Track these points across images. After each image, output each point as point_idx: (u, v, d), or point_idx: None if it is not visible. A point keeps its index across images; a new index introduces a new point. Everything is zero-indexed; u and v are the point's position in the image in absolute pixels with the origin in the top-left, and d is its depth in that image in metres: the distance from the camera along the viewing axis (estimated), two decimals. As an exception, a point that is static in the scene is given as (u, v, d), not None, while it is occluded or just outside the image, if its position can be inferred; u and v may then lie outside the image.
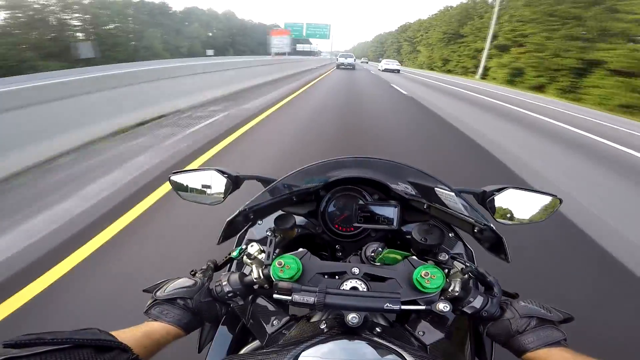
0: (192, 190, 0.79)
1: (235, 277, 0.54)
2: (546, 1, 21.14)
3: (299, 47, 79.45)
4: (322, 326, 0.49)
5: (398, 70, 26.75)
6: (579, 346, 0.45)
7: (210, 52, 42.87)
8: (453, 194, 0.69)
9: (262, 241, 0.62)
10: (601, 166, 4.35)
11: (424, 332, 0.56)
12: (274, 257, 0.52)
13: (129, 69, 5.42)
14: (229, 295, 0.54)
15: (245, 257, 0.55)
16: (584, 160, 4.58)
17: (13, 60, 22.19)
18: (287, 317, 0.58)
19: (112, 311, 1.54)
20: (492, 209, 0.75)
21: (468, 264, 0.53)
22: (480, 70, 28.70)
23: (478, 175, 3.63)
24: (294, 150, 4.12)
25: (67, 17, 31.36)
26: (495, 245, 0.61)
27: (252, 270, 0.54)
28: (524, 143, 5.32)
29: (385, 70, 26.20)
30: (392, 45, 79.72)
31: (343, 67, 27.08)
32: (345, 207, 0.77)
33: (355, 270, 0.51)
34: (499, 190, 0.74)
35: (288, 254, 0.51)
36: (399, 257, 0.55)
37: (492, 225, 0.59)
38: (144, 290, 0.56)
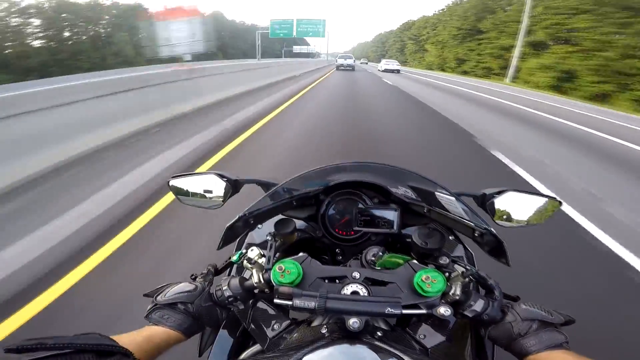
0: (192, 194, 0.79)
1: (235, 281, 0.54)
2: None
3: (296, 49, 74.84)
4: (323, 330, 0.49)
5: (398, 71, 26.17)
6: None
7: (187, 56, 37.81)
8: (453, 198, 0.69)
9: (262, 245, 0.60)
10: None
11: (425, 336, 0.56)
12: (274, 261, 0.52)
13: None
14: (230, 299, 0.53)
15: (245, 261, 0.55)
16: None
17: None
18: (288, 322, 0.58)
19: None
20: (492, 212, 0.76)
21: (469, 268, 0.53)
22: (511, 72, 23.51)
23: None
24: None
25: (17, 21, 26.56)
26: (496, 249, 0.62)
27: (252, 275, 0.54)
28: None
29: (386, 70, 25.53)
30: (394, 45, 74.48)
31: (342, 68, 26.36)
32: (346, 211, 0.76)
33: (356, 275, 0.51)
34: (499, 193, 0.75)
35: (288, 258, 0.51)
36: (399, 261, 0.56)
37: (492, 229, 0.60)
38: (144, 295, 0.54)
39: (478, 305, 0.50)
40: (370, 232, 0.75)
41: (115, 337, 0.40)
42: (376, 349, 0.42)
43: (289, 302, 0.45)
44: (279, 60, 21.45)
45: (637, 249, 2.25)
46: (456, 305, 0.51)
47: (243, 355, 0.59)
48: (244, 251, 0.57)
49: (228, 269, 0.67)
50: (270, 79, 11.78)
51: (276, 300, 0.47)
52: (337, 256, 0.79)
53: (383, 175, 0.75)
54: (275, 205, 0.69)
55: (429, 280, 0.47)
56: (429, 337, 0.55)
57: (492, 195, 0.76)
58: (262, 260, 0.54)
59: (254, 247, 0.56)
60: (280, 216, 0.72)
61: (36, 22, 27.55)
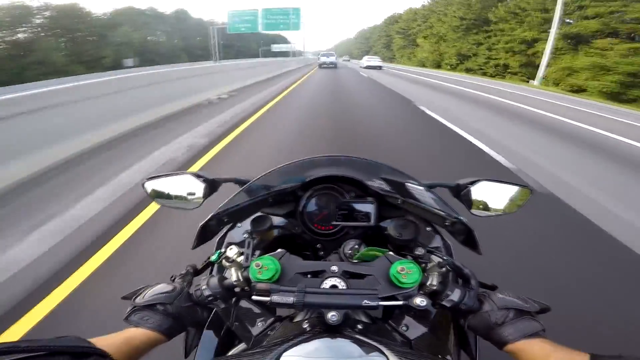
0: (169, 196, 0.78)
1: (214, 280, 0.54)
2: None
3: (275, 47, 68.47)
4: (305, 325, 0.50)
5: (380, 67, 26.15)
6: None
7: (129, 62, 31.23)
8: (423, 189, 0.71)
9: (241, 244, 0.61)
10: None
11: (407, 327, 0.57)
12: (252, 259, 0.52)
13: None
14: (209, 298, 0.53)
15: (224, 260, 0.56)
16: None
17: None
18: (272, 319, 0.59)
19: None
20: (467, 202, 0.77)
21: (445, 258, 0.54)
22: (542, 72, 18.24)
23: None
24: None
25: None
26: (468, 238, 0.63)
27: (231, 274, 0.53)
28: None
29: (368, 67, 25.40)
30: (379, 41, 69.17)
31: (325, 66, 26.05)
32: (324, 205, 0.76)
33: (334, 269, 0.51)
34: (472, 182, 0.77)
35: (266, 255, 0.51)
36: (376, 253, 0.56)
37: (462, 218, 0.60)
38: (122, 298, 0.54)
39: (455, 295, 0.50)
40: (349, 226, 0.75)
41: (93, 340, 0.40)
42: (356, 342, 0.42)
43: (267, 298, 0.45)
44: (246, 61, 16.07)
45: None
46: (434, 295, 0.51)
47: (228, 354, 0.60)
48: (223, 250, 0.57)
49: (208, 269, 0.66)
50: (227, 87, 9.42)
51: (254, 297, 0.47)
52: (319, 251, 0.78)
53: (358, 169, 0.75)
54: (249, 203, 0.68)
55: (405, 271, 0.47)
56: (412, 328, 0.57)
57: (466, 186, 0.77)
58: (241, 259, 0.54)
59: (233, 246, 0.56)
60: (259, 213, 0.73)
61: None
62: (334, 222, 0.73)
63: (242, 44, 74.21)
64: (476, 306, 0.50)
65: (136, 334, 0.47)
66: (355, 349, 0.41)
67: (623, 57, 13.85)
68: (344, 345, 0.42)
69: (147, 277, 1.52)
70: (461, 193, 0.78)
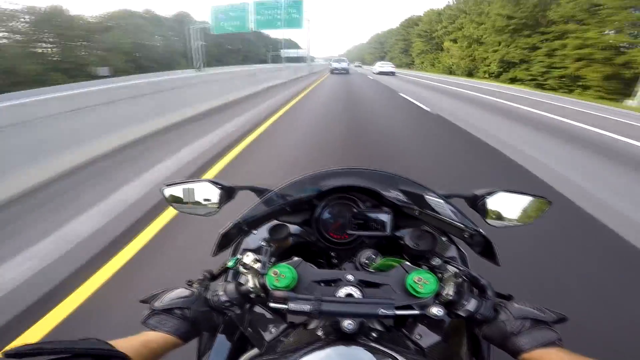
0: (186, 201, 0.79)
1: (231, 286, 0.55)
2: None
3: (284, 52, 64.23)
4: (319, 333, 0.51)
5: (393, 73, 25.77)
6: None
7: (104, 70, 27.02)
8: (442, 200, 0.71)
9: (257, 250, 0.62)
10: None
11: (421, 336, 0.57)
12: (269, 266, 0.53)
13: None
14: (226, 304, 0.54)
15: (241, 267, 0.56)
16: None
17: None
18: (285, 325, 0.59)
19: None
20: (483, 212, 0.77)
21: (461, 268, 0.54)
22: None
23: None
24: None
25: None
26: (486, 249, 0.63)
27: (248, 280, 0.54)
28: None
29: (381, 73, 25.07)
30: (396, 45, 64.17)
31: (337, 72, 25.45)
32: (339, 215, 0.77)
33: (350, 277, 0.51)
34: (489, 193, 0.76)
35: (283, 263, 0.52)
36: (392, 263, 0.57)
37: (481, 230, 0.61)
38: (140, 301, 0.55)
39: (471, 305, 0.50)
40: (364, 236, 0.75)
41: (113, 342, 0.41)
42: (371, 350, 0.43)
43: (285, 306, 0.46)
44: (229, 70, 11.75)
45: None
46: (449, 305, 0.51)
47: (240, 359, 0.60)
48: (239, 257, 0.57)
49: (224, 275, 0.66)
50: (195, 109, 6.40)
51: (272, 305, 0.48)
52: (332, 259, 0.79)
53: (374, 180, 0.76)
54: (268, 212, 0.70)
55: (422, 281, 0.48)
56: (425, 337, 0.57)
57: (483, 196, 0.77)
58: (258, 266, 0.54)
59: (249, 253, 0.56)
60: (275, 222, 0.74)
61: None
62: (349, 232, 0.74)
63: (249, 49, 70.50)
64: (492, 316, 0.50)
65: (154, 337, 0.48)
66: (369, 357, 0.41)
67: None
68: (358, 353, 0.42)
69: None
70: (478, 203, 0.77)
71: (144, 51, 34.94)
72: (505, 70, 24.23)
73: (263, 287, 0.52)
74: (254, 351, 0.59)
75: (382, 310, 0.44)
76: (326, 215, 0.77)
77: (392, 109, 8.10)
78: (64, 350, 0.34)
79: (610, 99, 14.67)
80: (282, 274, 0.48)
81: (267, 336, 0.58)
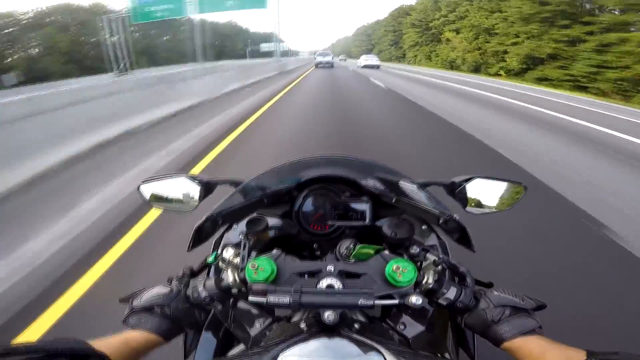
0: (164, 198, 0.77)
1: (211, 282, 0.54)
2: None
3: (264, 47, 58.24)
4: (302, 325, 0.50)
5: (378, 66, 25.10)
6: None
7: (9, 78, 20.70)
8: (415, 186, 0.71)
9: (237, 245, 0.59)
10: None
11: (405, 326, 0.58)
12: (248, 260, 0.52)
13: None
14: (207, 300, 0.53)
15: (220, 261, 0.55)
16: None
17: None
18: (269, 319, 0.60)
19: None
20: (462, 200, 0.76)
21: (440, 256, 0.53)
22: None
23: None
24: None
25: None
26: (462, 236, 0.63)
27: (228, 275, 0.54)
28: None
29: (365, 66, 24.31)
30: (385, 37, 59.06)
31: (322, 65, 25.44)
32: (319, 205, 0.76)
33: (330, 268, 0.50)
34: (467, 180, 0.76)
35: (262, 256, 0.51)
36: (370, 251, 0.58)
37: (455, 215, 0.60)
38: (120, 300, 0.55)
39: (451, 293, 0.51)
40: (345, 226, 0.75)
41: (92, 342, 0.40)
42: (354, 341, 0.42)
43: (264, 299, 0.45)
44: (164, 73, 7.10)
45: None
46: (430, 293, 0.51)
47: (227, 355, 0.60)
48: (219, 252, 0.57)
49: (205, 270, 0.65)
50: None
51: (251, 298, 0.47)
52: (315, 251, 0.78)
53: (352, 168, 0.76)
54: (245, 204, 0.68)
55: (400, 270, 0.47)
56: (409, 327, 0.58)
57: (461, 183, 0.76)
58: (237, 260, 0.54)
59: (229, 248, 0.56)
60: (255, 214, 0.72)
61: None
62: (330, 222, 0.74)
63: (225, 44, 63.91)
64: (472, 304, 0.50)
65: (134, 336, 0.47)
66: (352, 348, 0.41)
67: None
68: (341, 345, 0.42)
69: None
70: (456, 191, 0.77)
71: (86, 51, 28.79)
72: (530, 68, 19.58)
73: (243, 281, 0.51)
74: (241, 347, 0.59)
75: (362, 300, 0.44)
76: (306, 206, 0.76)
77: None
78: (39, 349, 0.34)
79: None
80: (260, 267, 0.48)
81: (252, 331, 0.58)
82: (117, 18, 16.19)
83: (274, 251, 0.53)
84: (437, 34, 34.85)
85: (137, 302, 0.51)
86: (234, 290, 0.53)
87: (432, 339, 0.58)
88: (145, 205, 0.76)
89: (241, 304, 0.62)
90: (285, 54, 56.05)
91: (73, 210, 2.46)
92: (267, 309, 0.61)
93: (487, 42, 24.45)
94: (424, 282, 0.50)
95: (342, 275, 0.50)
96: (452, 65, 29.69)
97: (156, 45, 42.13)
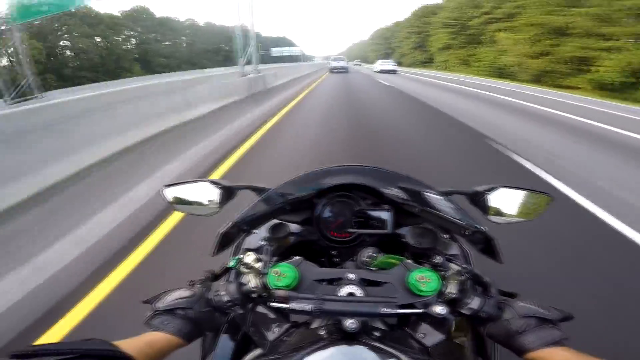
0: (187, 202, 0.79)
1: (233, 286, 0.55)
2: None
3: (275, 51, 53.80)
4: (322, 332, 0.51)
5: (395, 71, 25.03)
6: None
7: None
8: (442, 198, 0.70)
9: (258, 250, 0.62)
10: None
11: (425, 335, 0.57)
12: (270, 265, 0.53)
13: None
14: (228, 304, 0.54)
15: (242, 266, 0.56)
16: None
17: None
18: (288, 325, 0.60)
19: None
20: (484, 209, 0.75)
21: (464, 266, 0.53)
22: None
23: None
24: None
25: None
26: (487, 246, 0.63)
27: (249, 280, 0.54)
28: None
29: (382, 71, 24.35)
30: (407, 39, 53.35)
31: (336, 70, 25.82)
32: (340, 213, 0.77)
33: (352, 276, 0.51)
34: (490, 189, 0.75)
35: (284, 262, 0.52)
36: (394, 261, 0.57)
37: (482, 228, 0.60)
38: (143, 302, 0.55)
39: (474, 303, 0.50)
40: (365, 234, 0.75)
41: (117, 343, 0.41)
42: (374, 349, 0.43)
43: (286, 305, 0.46)
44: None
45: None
46: (452, 303, 0.51)
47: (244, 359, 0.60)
48: (240, 256, 0.57)
49: (226, 275, 0.65)
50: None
51: (273, 304, 0.49)
52: (334, 258, 0.79)
53: (374, 177, 0.75)
54: (268, 211, 0.69)
55: (424, 279, 0.48)
56: (429, 336, 0.57)
57: (484, 193, 0.75)
58: (259, 265, 0.54)
59: (251, 253, 0.56)
60: (275, 221, 0.73)
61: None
62: (350, 230, 0.74)
63: (234, 48, 59.81)
64: (496, 314, 0.50)
65: (157, 337, 0.48)
66: (373, 356, 0.41)
67: None
68: (361, 352, 0.43)
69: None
70: (478, 200, 0.76)
71: (62, 59, 24.61)
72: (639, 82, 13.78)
73: (264, 286, 0.51)
74: (258, 351, 0.59)
75: (384, 309, 0.44)
76: (327, 213, 0.76)
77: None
78: (69, 351, 0.34)
79: None
80: (283, 273, 0.48)
81: (270, 336, 0.58)
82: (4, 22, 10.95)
83: (296, 258, 0.53)
84: (478, 35, 29.13)
85: (160, 304, 0.51)
86: (255, 295, 0.53)
87: (452, 348, 0.58)
88: (169, 207, 0.78)
89: (259, 309, 0.62)
90: (297, 58, 51.46)
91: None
92: (284, 314, 0.61)
93: (557, 46, 18.69)
94: (447, 291, 0.49)
95: (363, 283, 0.50)
96: (500, 74, 23.96)
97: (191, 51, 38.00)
